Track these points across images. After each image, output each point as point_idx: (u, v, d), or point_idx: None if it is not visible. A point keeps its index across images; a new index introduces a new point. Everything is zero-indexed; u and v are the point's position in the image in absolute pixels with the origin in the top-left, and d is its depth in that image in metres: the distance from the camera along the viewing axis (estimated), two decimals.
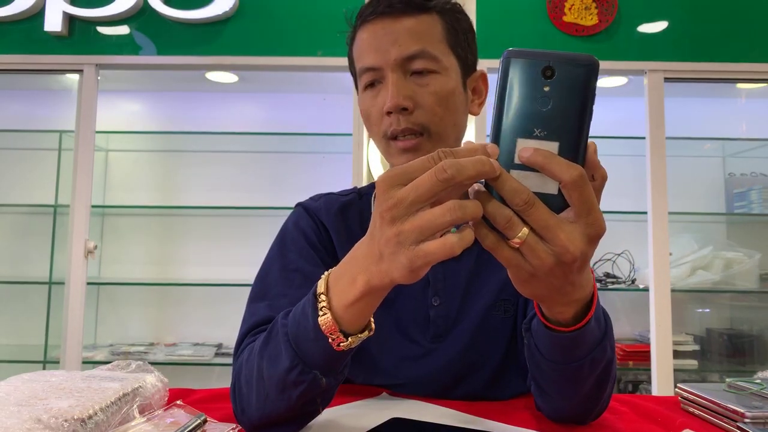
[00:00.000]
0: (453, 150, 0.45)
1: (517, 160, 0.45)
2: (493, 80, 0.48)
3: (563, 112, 0.44)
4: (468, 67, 0.87)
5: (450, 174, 0.43)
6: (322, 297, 0.55)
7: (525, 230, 0.45)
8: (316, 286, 0.56)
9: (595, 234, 0.46)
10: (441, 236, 0.45)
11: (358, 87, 0.88)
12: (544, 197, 0.45)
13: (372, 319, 0.57)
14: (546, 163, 0.44)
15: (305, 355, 0.58)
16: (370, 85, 0.83)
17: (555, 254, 0.45)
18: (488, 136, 0.47)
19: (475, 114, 0.90)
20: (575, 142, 0.45)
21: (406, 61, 0.79)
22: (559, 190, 0.45)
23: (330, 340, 0.55)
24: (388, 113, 0.80)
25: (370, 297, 0.52)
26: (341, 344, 0.55)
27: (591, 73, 0.44)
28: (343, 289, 0.53)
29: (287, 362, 0.58)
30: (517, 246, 0.46)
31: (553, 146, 0.44)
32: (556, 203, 0.45)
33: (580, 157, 0.45)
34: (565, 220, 0.45)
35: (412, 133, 0.80)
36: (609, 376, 0.66)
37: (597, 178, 0.49)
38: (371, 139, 0.90)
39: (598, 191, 0.49)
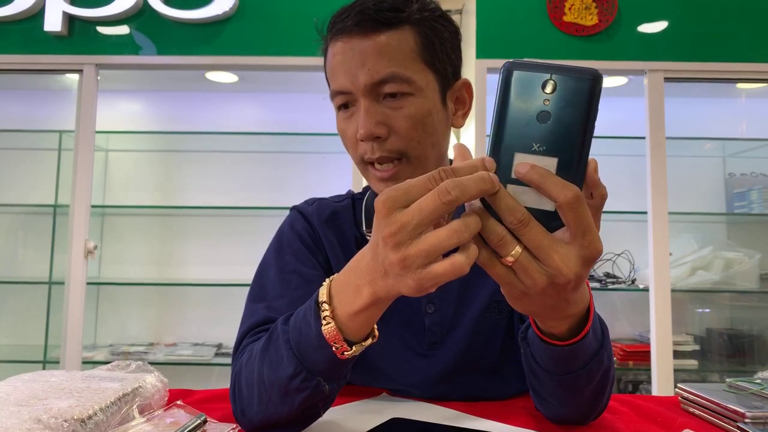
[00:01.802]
0: (453, 168, 0.44)
1: (514, 175, 0.44)
2: (491, 85, 0.47)
3: (563, 128, 0.43)
4: (448, 80, 0.81)
5: (454, 196, 0.42)
6: (325, 306, 0.54)
7: (518, 249, 0.44)
8: (318, 294, 0.55)
9: (590, 256, 0.44)
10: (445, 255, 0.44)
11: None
12: (540, 213, 0.44)
13: (375, 326, 0.56)
14: (541, 181, 0.42)
15: (308, 363, 0.57)
16: (344, 106, 0.80)
17: (548, 275, 0.44)
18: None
19: (459, 126, 0.85)
20: (575, 159, 0.43)
21: (376, 85, 0.75)
22: (556, 207, 0.44)
23: (334, 348, 0.54)
24: (361, 140, 0.76)
25: (376, 307, 0.52)
26: (345, 353, 0.55)
27: (594, 88, 0.42)
28: (348, 299, 0.52)
29: (290, 369, 0.58)
30: (510, 264, 0.45)
31: (551, 162, 0.43)
32: (553, 220, 0.44)
33: (579, 174, 0.43)
34: (560, 241, 0.44)
35: (389, 161, 0.77)
36: (607, 383, 0.66)
37: (596, 197, 0.47)
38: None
39: (598, 210, 0.48)
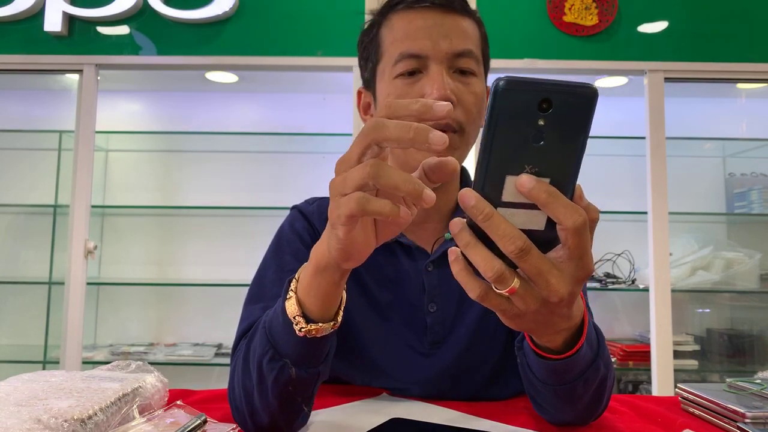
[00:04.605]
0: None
1: (505, 198, 0.41)
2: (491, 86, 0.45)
3: (557, 148, 0.40)
4: (486, 80, 0.87)
5: (373, 138, 0.46)
6: (293, 283, 0.57)
7: (517, 281, 0.43)
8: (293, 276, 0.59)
9: (584, 276, 0.44)
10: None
11: (375, 72, 0.84)
12: (528, 233, 0.42)
13: (340, 316, 0.58)
14: (548, 200, 0.40)
15: (276, 342, 0.59)
16: (409, 73, 0.79)
17: (542, 297, 0.44)
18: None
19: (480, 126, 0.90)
20: (567, 181, 0.41)
21: (454, 56, 0.78)
22: (546, 226, 0.42)
23: (294, 324, 0.56)
24: None
25: (321, 276, 0.54)
26: (302, 329, 0.56)
27: (590, 106, 0.40)
28: (304, 273, 0.56)
29: (261, 349, 0.60)
30: (507, 295, 0.44)
31: None
32: (542, 239, 0.42)
33: (569, 196, 0.42)
34: (555, 263, 0.43)
35: (450, 130, 0.78)
36: (604, 391, 0.66)
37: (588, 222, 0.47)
38: None
39: (591, 233, 0.47)
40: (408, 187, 0.43)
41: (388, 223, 0.50)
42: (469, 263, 0.44)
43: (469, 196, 0.41)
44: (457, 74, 0.79)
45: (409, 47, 0.78)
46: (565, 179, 0.41)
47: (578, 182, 0.43)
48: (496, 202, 0.42)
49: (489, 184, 0.41)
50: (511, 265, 0.43)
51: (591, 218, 0.43)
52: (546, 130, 0.40)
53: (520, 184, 0.40)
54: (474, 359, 0.84)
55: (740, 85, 2.60)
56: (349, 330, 0.83)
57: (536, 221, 0.42)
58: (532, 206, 0.42)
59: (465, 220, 0.44)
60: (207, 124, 2.86)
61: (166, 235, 2.91)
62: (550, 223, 0.42)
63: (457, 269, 0.45)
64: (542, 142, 0.40)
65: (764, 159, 2.76)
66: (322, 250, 0.53)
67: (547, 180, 0.41)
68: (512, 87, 0.39)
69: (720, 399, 0.71)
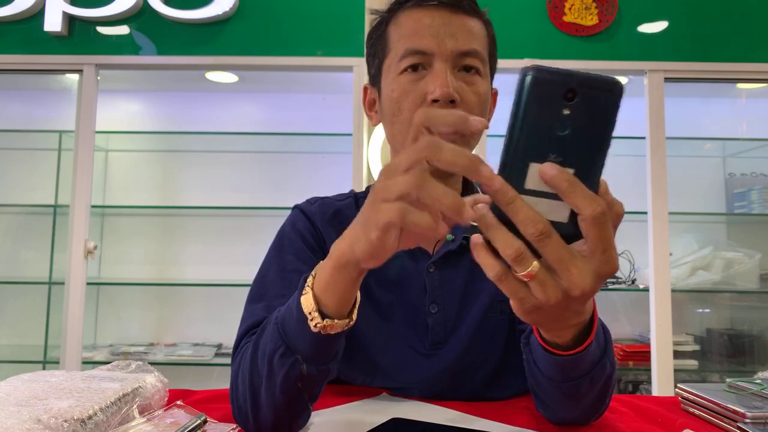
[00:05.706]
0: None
1: (528, 186, 0.41)
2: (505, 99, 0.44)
3: (582, 138, 0.41)
4: (492, 80, 0.87)
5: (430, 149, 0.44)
6: (310, 279, 0.58)
7: (536, 264, 0.42)
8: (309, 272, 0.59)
9: (606, 272, 0.43)
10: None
11: (381, 68, 0.84)
12: (552, 225, 0.42)
13: (354, 313, 0.58)
14: (569, 189, 0.40)
15: (288, 338, 0.59)
16: (413, 69, 0.79)
17: (563, 289, 0.43)
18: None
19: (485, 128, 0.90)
20: (591, 172, 0.41)
21: (459, 55, 0.78)
22: (570, 218, 0.42)
23: (309, 320, 0.56)
24: (434, 101, 0.76)
25: (339, 273, 0.54)
26: (317, 324, 0.56)
27: (615, 99, 0.40)
28: (322, 269, 0.57)
29: (272, 344, 0.60)
30: (526, 279, 0.43)
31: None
32: (565, 232, 0.42)
33: (593, 188, 0.41)
34: (578, 254, 0.42)
35: None
36: (609, 389, 0.66)
37: (612, 216, 0.45)
38: (387, 127, 0.85)
39: (614, 229, 0.46)
40: (449, 200, 0.43)
41: (413, 232, 0.48)
42: (491, 247, 0.44)
43: (494, 180, 0.42)
44: (462, 73, 0.79)
45: (414, 44, 0.79)
46: (589, 171, 0.41)
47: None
48: (520, 189, 0.42)
49: (513, 170, 0.42)
50: (534, 254, 0.43)
51: (615, 213, 0.44)
52: (571, 120, 0.41)
53: (542, 172, 0.41)
54: (474, 360, 0.84)
55: (740, 85, 2.60)
56: (351, 330, 0.83)
57: (559, 213, 0.42)
58: (555, 196, 0.42)
59: (489, 203, 0.44)
60: (207, 124, 2.86)
61: (166, 235, 2.91)
62: (573, 217, 0.42)
63: (478, 249, 0.44)
64: (567, 131, 0.41)
65: (764, 159, 2.76)
66: (343, 247, 0.53)
67: (572, 171, 0.41)
68: (539, 75, 0.40)
69: (720, 399, 0.72)
